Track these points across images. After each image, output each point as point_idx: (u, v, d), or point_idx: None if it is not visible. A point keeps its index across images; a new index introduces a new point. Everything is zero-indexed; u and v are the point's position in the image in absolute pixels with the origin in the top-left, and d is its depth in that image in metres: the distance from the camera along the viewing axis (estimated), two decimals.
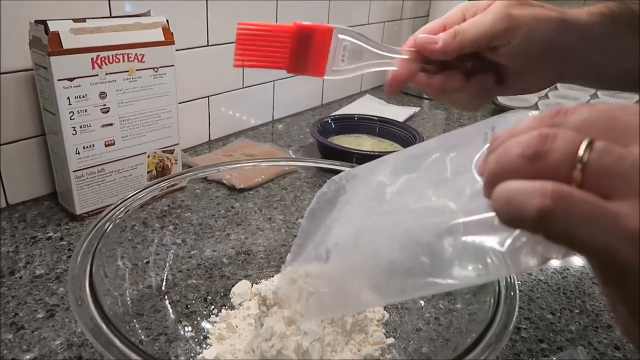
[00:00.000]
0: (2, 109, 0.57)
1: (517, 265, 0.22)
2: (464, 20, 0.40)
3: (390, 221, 0.27)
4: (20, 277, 0.49)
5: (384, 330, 0.42)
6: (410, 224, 0.26)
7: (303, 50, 0.38)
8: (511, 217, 0.19)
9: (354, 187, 0.33)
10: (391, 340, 0.41)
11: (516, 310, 0.35)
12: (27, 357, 0.40)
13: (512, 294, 0.36)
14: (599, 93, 1.20)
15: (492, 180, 0.21)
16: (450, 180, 0.26)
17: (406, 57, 0.40)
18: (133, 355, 0.28)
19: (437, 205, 0.25)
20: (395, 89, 0.40)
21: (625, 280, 0.19)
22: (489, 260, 0.23)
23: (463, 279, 0.23)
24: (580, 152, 0.19)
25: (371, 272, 0.26)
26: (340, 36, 0.38)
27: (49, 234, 0.56)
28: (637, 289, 0.18)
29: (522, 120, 0.22)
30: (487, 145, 0.24)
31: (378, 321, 0.42)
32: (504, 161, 0.20)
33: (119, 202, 0.42)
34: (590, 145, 0.19)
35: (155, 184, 0.45)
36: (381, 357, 0.39)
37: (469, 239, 0.23)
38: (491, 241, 0.22)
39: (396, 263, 0.25)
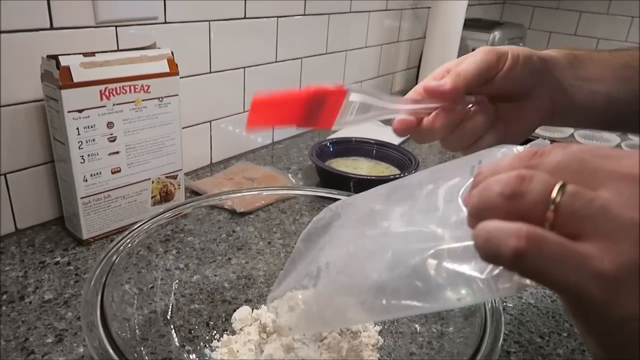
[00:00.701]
0: (14, 137, 0.59)
1: (495, 291, 0.24)
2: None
3: (380, 245, 0.29)
4: (30, 302, 0.51)
5: (378, 355, 0.44)
6: (398, 247, 0.28)
7: (315, 110, 0.39)
8: (490, 255, 0.21)
9: (347, 213, 0.36)
10: None
11: (502, 333, 0.37)
12: None
13: (497, 317, 0.38)
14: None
15: (475, 213, 0.23)
16: (438, 209, 0.28)
17: (411, 106, 0.42)
18: None
19: (424, 231, 0.27)
20: (405, 134, 0.43)
21: (592, 316, 0.21)
22: (469, 285, 0.25)
23: (445, 302, 0.25)
24: (553, 194, 0.20)
25: (358, 291, 0.28)
26: (353, 98, 0.39)
27: (57, 259, 0.58)
28: (602, 325, 0.20)
29: (504, 158, 0.25)
30: (472, 178, 0.26)
31: (373, 346, 0.44)
32: (485, 198, 0.22)
33: (130, 231, 0.45)
34: (562, 188, 0.20)
35: (161, 213, 0.48)
36: None
37: (452, 264, 0.25)
38: (471, 268, 0.24)
39: (382, 284, 0.27)
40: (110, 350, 0.34)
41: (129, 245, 0.44)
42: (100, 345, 0.34)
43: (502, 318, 0.38)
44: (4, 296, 0.51)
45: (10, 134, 0.59)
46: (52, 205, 0.65)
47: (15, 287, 0.53)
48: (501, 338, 0.36)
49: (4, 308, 0.49)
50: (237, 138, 0.93)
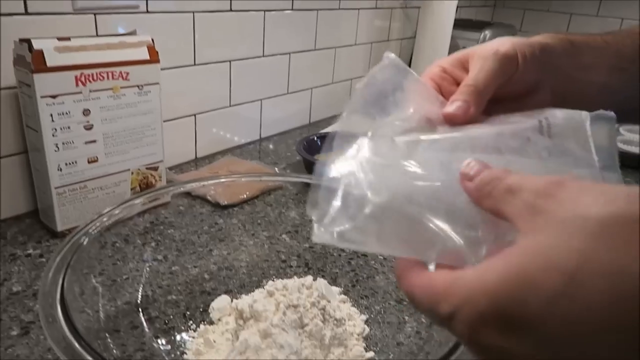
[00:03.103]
0: None
1: None
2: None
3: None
4: None
5: (363, 344, 0.42)
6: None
7: None
8: None
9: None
10: (371, 354, 0.41)
11: None
12: None
13: None
14: None
15: None
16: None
17: None
18: None
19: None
20: None
21: None
22: None
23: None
24: None
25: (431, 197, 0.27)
26: None
27: (29, 251, 0.55)
28: None
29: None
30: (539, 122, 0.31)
31: (358, 335, 0.42)
32: None
33: (95, 217, 0.42)
34: None
35: (134, 198, 0.45)
36: None
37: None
38: None
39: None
40: (74, 342, 0.31)
41: (95, 231, 0.41)
42: (61, 335, 0.31)
43: None
44: None
45: None
46: (26, 197, 0.63)
47: None
48: None
49: None
50: (223, 133, 0.90)
